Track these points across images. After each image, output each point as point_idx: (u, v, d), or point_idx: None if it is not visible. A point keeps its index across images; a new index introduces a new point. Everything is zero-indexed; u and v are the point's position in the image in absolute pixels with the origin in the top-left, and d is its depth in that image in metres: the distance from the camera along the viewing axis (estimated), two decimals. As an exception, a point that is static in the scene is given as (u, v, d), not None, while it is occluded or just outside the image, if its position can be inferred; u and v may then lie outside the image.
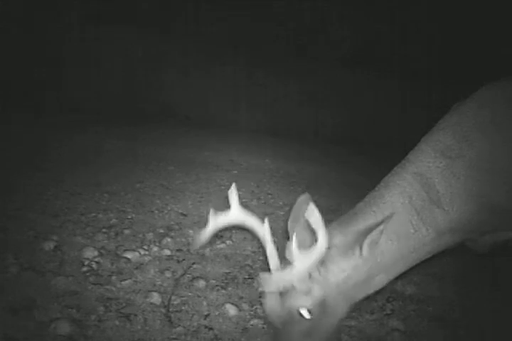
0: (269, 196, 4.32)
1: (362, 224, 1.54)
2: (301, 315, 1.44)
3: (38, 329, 1.81)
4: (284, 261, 1.46)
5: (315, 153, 7.93)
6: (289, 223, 1.63)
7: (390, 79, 9.86)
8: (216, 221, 1.59)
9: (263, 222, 1.51)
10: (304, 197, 1.63)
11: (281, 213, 3.84)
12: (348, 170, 6.53)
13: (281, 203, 4.16)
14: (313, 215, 1.36)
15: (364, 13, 9.38)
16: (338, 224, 1.58)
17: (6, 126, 5.54)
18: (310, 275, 1.43)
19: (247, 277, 2.52)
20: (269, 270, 1.47)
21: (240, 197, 1.57)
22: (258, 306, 2.23)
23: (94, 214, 3.13)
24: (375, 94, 10.05)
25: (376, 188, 1.70)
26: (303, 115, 10.06)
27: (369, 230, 1.42)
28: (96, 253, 2.51)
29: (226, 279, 2.47)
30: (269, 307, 1.48)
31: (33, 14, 7.49)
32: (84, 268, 2.35)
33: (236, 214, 1.59)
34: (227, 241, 2.97)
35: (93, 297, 2.11)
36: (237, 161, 5.88)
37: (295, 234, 1.43)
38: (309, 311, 1.44)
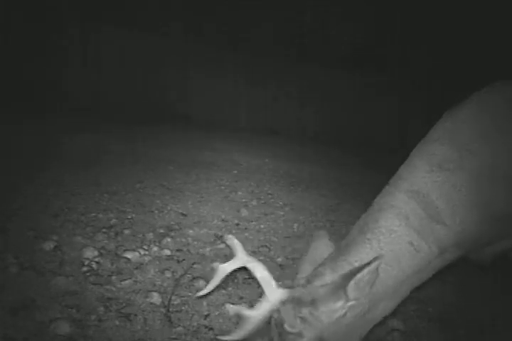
0: (269, 196, 4.32)
1: (354, 256, 1.44)
2: None
3: (38, 329, 1.80)
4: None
5: (315, 154, 7.93)
6: (301, 258, 1.58)
7: (389, 80, 9.87)
8: (223, 270, 1.59)
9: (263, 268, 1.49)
10: (320, 233, 1.60)
11: (281, 213, 3.84)
12: (347, 171, 6.53)
13: (281, 203, 4.16)
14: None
15: (364, 13, 9.38)
16: (331, 259, 1.47)
17: (5, 126, 5.53)
18: (300, 317, 1.34)
19: (247, 277, 2.52)
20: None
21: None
22: (258, 306, 2.23)
23: (94, 214, 3.13)
24: (375, 94, 10.05)
25: (369, 211, 1.60)
26: (303, 115, 10.07)
27: (353, 272, 1.30)
28: (96, 253, 2.51)
29: (226, 279, 2.47)
30: None
31: (33, 14, 7.49)
32: (84, 268, 2.35)
33: (242, 260, 1.57)
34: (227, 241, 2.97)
35: (93, 297, 2.11)
36: (237, 161, 5.88)
37: (303, 268, 1.42)
38: None
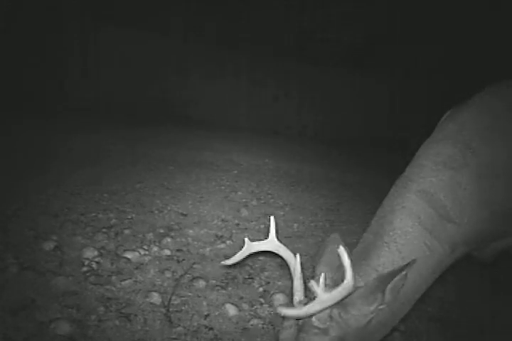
0: (269, 196, 4.32)
1: (376, 260, 1.47)
2: None
3: (37, 330, 1.80)
4: (309, 296, 1.42)
5: (315, 154, 7.93)
6: (317, 260, 1.58)
7: (389, 79, 9.87)
8: (250, 247, 1.57)
9: (295, 256, 1.50)
10: (333, 236, 1.58)
11: (282, 213, 3.84)
12: (347, 171, 6.53)
13: (281, 203, 4.16)
14: (343, 256, 1.29)
15: (364, 13, 9.38)
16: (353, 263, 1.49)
17: (5, 127, 5.53)
18: (330, 315, 1.36)
19: (247, 277, 2.52)
20: (291, 303, 1.45)
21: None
22: (258, 306, 2.24)
23: (94, 214, 3.13)
24: (375, 94, 10.05)
25: (381, 213, 1.62)
26: (303, 115, 10.07)
27: (391, 275, 1.32)
28: (96, 253, 2.51)
29: (226, 279, 2.47)
30: (282, 340, 1.42)
31: (33, 14, 7.49)
32: (84, 268, 2.35)
33: (272, 244, 1.57)
34: (227, 241, 2.97)
35: (93, 297, 2.11)
36: (237, 161, 5.88)
37: (321, 271, 1.40)
38: None
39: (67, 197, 3.42)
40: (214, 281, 2.41)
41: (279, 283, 2.49)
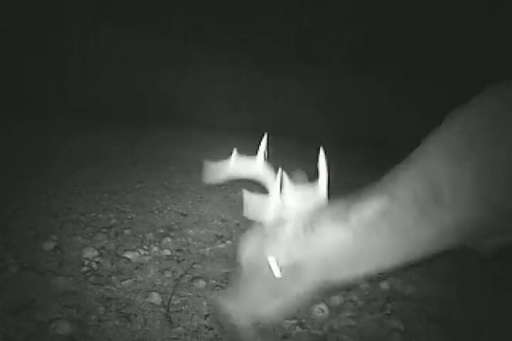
0: (269, 196, 4.31)
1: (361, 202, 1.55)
2: (270, 269, 1.43)
3: (37, 330, 1.80)
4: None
5: (315, 153, 7.92)
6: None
7: (390, 80, 9.86)
8: (237, 164, 1.66)
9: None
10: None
11: (281, 213, 3.83)
12: (347, 170, 6.52)
13: (281, 203, 4.15)
14: (321, 161, 1.42)
15: (364, 13, 9.38)
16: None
17: (5, 127, 5.54)
18: (297, 235, 1.44)
19: (247, 277, 2.51)
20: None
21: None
22: (258, 306, 2.23)
23: (94, 214, 3.13)
24: (375, 94, 10.05)
25: (383, 179, 1.70)
26: (303, 115, 10.06)
27: (363, 205, 1.42)
28: (96, 253, 2.51)
29: (226, 279, 2.47)
30: (245, 249, 1.50)
31: (33, 14, 7.49)
32: (84, 268, 2.35)
33: (258, 165, 1.65)
34: (227, 241, 2.97)
35: (93, 297, 2.11)
36: (237, 161, 5.87)
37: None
38: (281, 269, 1.43)
39: (67, 197, 3.42)
40: (214, 281, 2.41)
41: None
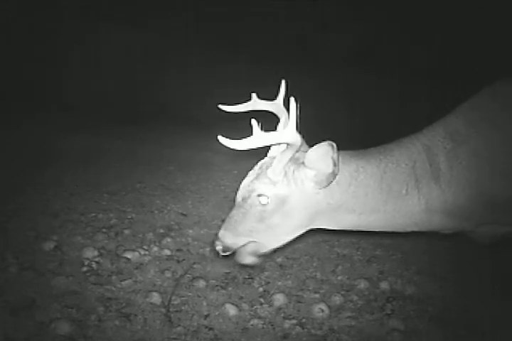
0: (269, 196, 4.31)
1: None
2: (258, 199, 1.52)
3: (38, 329, 1.81)
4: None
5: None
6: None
7: (390, 79, 9.87)
8: (256, 104, 1.83)
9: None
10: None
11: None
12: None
13: (281, 203, 4.15)
14: (292, 105, 1.48)
15: (364, 13, 9.38)
16: None
17: (5, 126, 5.53)
18: (285, 170, 1.51)
19: (247, 277, 2.51)
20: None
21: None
22: (258, 306, 2.23)
23: (94, 214, 3.13)
24: (376, 94, 10.05)
25: (388, 144, 1.76)
26: (303, 115, 10.05)
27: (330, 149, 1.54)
28: (96, 253, 2.51)
29: (226, 279, 2.47)
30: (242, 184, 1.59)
31: (33, 14, 7.49)
32: (84, 268, 2.35)
33: (277, 106, 1.85)
34: (227, 241, 2.97)
35: (93, 297, 2.11)
36: (237, 161, 5.87)
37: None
38: (267, 200, 1.51)
39: (67, 197, 3.42)
40: (214, 281, 2.41)
41: (279, 283, 2.48)
